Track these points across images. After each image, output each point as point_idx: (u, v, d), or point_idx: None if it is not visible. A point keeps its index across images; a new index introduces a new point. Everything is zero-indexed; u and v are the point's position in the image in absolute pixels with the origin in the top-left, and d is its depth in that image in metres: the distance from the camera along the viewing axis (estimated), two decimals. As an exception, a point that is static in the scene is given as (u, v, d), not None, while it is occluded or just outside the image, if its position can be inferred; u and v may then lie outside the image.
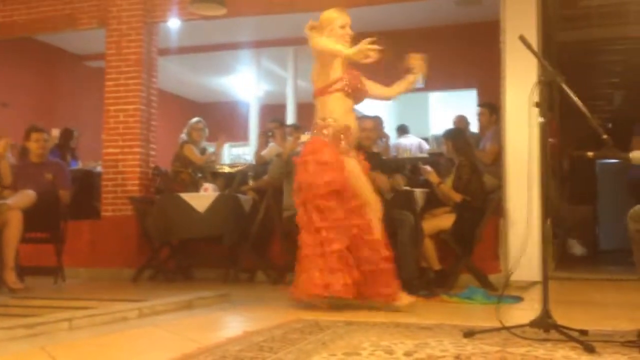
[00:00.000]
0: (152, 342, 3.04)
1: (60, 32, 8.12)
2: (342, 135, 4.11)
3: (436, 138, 8.46)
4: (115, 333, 3.21)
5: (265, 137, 7.63)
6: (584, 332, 2.80)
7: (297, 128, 7.22)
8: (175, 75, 11.30)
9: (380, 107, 8.56)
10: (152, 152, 7.44)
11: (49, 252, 6.04)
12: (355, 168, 4.13)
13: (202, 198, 6.30)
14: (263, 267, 6.47)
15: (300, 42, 10.14)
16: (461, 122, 7.42)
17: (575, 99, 2.88)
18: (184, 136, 7.03)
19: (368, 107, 9.61)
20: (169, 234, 6.37)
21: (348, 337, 2.86)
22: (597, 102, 11.85)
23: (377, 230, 4.03)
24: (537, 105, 2.81)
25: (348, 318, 3.47)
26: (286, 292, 4.22)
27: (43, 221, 5.78)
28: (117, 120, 7.27)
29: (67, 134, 8.61)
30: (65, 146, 8.47)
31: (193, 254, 6.79)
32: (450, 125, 7.26)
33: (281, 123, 7.85)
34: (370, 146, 5.50)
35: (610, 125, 11.44)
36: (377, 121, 6.61)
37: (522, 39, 2.95)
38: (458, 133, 6.08)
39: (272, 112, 9.91)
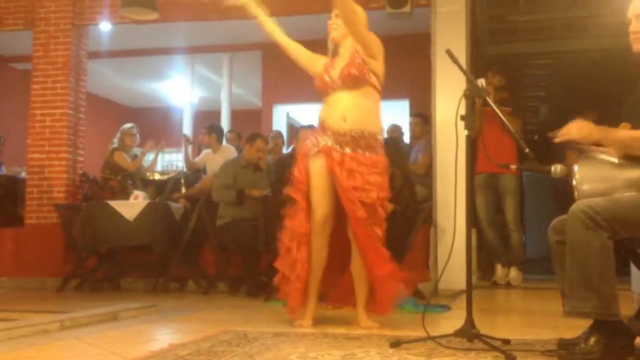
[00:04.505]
0: (73, 356, 2.93)
1: (-16, 33, 7.82)
2: None
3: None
4: (35, 347, 3.08)
5: (187, 143, 7.74)
6: (506, 342, 2.86)
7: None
8: (106, 79, 11.04)
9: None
10: (80, 158, 7.25)
11: (-31, 261, 5.82)
12: None
13: (131, 206, 6.17)
14: (194, 276, 6.38)
15: (235, 48, 10.15)
16: (395, 131, 7.51)
17: (499, 113, 2.96)
18: (115, 142, 6.87)
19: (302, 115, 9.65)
20: (96, 243, 6.22)
21: (276, 349, 2.84)
22: (524, 115, 12.20)
23: None
24: (462, 118, 2.86)
25: (277, 329, 3.45)
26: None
27: (-38, 229, 5.56)
28: (44, 125, 7.06)
29: (-6, 139, 8.27)
30: (-12, 151, 8.14)
31: (121, 264, 6.64)
32: (384, 134, 7.32)
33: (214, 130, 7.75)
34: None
35: (536, 137, 11.80)
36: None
37: (449, 53, 3.00)
38: (391, 143, 6.15)
39: (207, 119, 9.79)
